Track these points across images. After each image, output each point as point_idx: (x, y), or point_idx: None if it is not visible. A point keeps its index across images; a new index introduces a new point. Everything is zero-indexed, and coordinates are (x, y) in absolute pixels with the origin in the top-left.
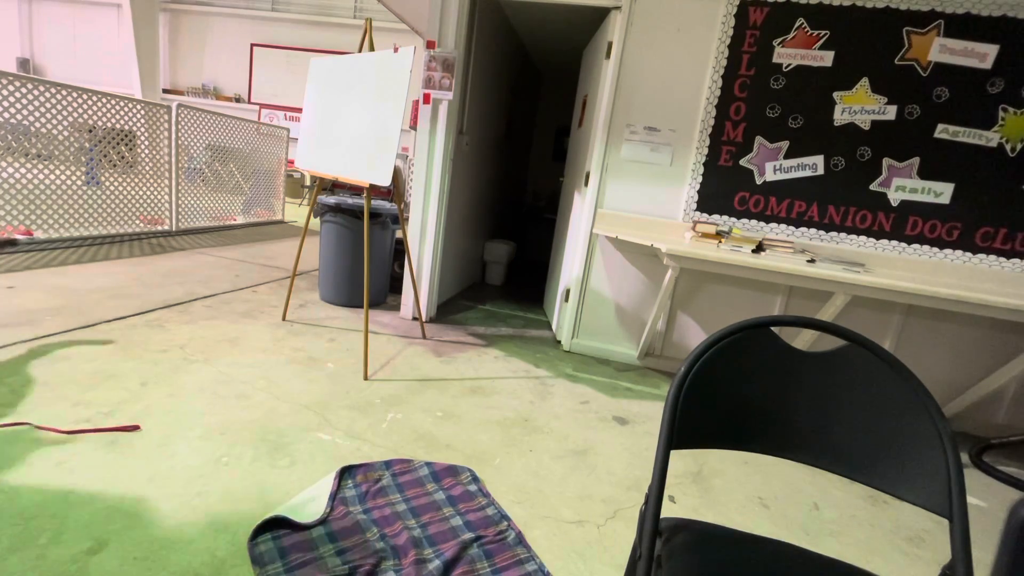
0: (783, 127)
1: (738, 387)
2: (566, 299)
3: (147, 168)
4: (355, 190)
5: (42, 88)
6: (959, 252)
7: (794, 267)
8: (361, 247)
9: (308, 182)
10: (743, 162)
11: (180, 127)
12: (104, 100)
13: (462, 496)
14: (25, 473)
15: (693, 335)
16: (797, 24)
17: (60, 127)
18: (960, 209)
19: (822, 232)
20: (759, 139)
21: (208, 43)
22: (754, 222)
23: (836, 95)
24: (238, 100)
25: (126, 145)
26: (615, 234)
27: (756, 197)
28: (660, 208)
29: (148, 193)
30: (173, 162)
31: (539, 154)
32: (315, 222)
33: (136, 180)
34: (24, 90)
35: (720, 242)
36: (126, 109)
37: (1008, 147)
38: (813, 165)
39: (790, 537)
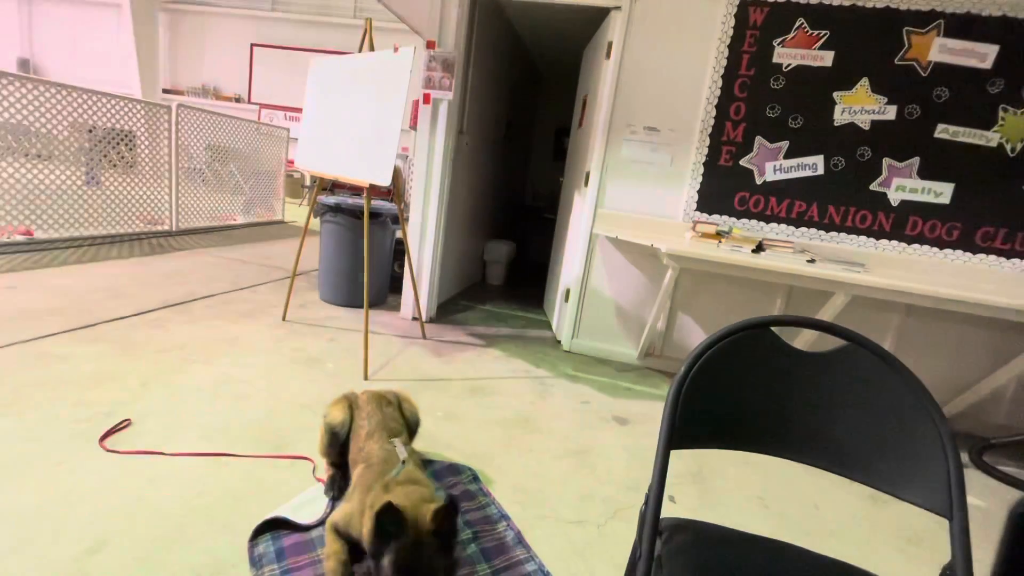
0: (783, 127)
1: (738, 387)
2: (566, 299)
3: (147, 168)
4: (355, 190)
5: (42, 88)
6: (959, 252)
7: (794, 267)
8: (361, 247)
9: (308, 182)
10: (743, 162)
11: (180, 127)
12: (104, 100)
13: (463, 495)
14: (24, 472)
15: (693, 335)
16: (797, 24)
17: (60, 127)
18: (960, 209)
19: (822, 232)
20: (759, 139)
21: (208, 43)
22: (754, 222)
23: (836, 95)
24: (238, 100)
25: (126, 145)
26: (615, 234)
27: (756, 197)
28: (660, 208)
29: (148, 193)
30: (173, 162)
31: (539, 154)
32: (315, 222)
33: (136, 180)
34: (24, 90)
35: (720, 242)
36: (126, 109)
37: (1008, 147)
38: (813, 165)
39: (790, 537)
